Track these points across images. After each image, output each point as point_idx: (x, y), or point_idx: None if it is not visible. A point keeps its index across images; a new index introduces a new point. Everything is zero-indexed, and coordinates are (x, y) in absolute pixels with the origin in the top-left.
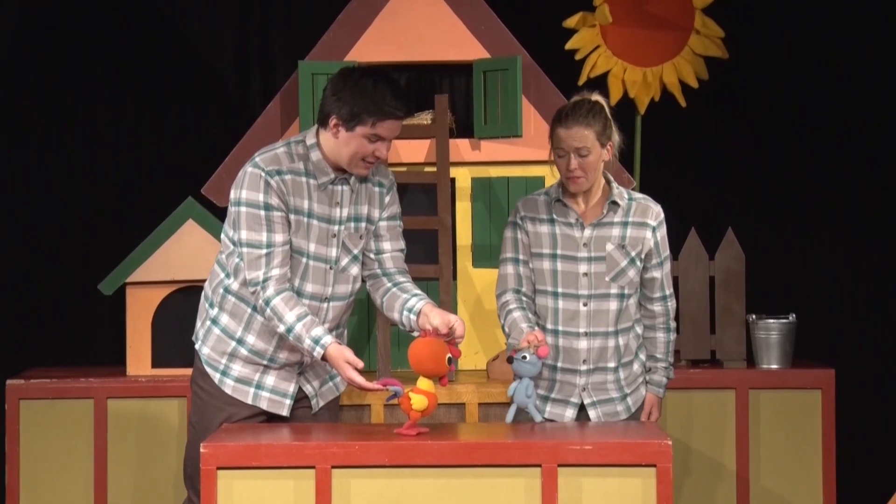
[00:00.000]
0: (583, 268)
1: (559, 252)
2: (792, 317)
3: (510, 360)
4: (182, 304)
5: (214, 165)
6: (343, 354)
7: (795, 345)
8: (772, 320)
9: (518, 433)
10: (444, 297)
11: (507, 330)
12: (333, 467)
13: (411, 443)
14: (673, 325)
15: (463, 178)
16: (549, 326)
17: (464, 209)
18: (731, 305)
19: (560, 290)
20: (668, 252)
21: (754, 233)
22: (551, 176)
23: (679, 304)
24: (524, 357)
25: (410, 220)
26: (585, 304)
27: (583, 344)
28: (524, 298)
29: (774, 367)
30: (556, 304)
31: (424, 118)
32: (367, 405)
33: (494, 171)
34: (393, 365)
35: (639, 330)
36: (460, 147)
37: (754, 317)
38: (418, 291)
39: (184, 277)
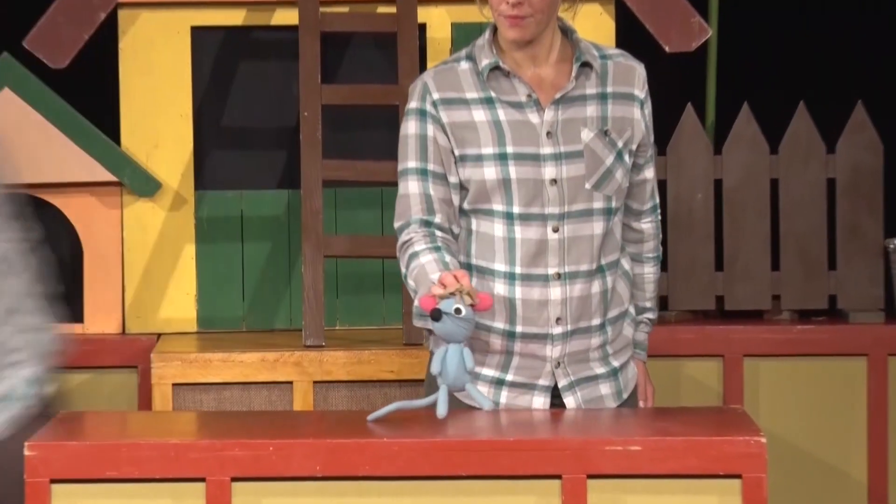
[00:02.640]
0: (549, 171)
1: (510, 150)
2: None
3: (436, 315)
4: None
5: (42, 5)
6: None
7: None
8: None
9: (527, 425)
10: None
11: (411, 283)
12: (234, 480)
13: (358, 442)
14: (661, 250)
15: (438, 23)
16: (500, 268)
17: None
18: (862, 224)
19: (516, 209)
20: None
21: (894, 113)
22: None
23: (779, 221)
24: (458, 310)
25: (358, 90)
26: (556, 230)
27: (555, 293)
28: (438, 233)
29: None
30: (512, 234)
31: None
32: (289, 382)
33: (488, 13)
34: (329, 321)
35: (626, 265)
36: None
37: None
38: None
39: None
